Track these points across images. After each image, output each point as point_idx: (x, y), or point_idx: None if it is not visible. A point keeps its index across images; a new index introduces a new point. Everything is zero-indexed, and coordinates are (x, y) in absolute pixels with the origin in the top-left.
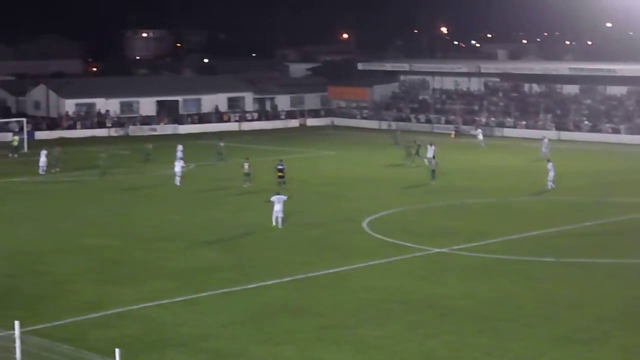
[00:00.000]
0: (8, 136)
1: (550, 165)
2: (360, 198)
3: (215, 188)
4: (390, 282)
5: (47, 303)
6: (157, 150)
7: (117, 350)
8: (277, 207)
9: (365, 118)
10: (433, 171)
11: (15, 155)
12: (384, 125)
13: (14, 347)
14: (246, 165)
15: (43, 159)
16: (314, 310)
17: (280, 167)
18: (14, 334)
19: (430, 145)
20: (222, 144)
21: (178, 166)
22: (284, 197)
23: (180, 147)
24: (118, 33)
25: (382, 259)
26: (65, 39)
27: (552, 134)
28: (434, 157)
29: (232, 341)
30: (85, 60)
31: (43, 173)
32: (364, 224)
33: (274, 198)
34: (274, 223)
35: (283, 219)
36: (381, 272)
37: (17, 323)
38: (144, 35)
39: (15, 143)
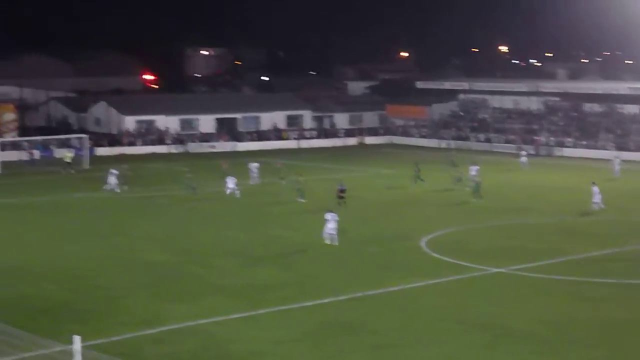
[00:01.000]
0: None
1: (595, 188)
2: (418, 217)
3: (274, 205)
4: (448, 301)
5: (104, 318)
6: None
7: None
8: (331, 225)
9: (424, 137)
10: (476, 190)
11: (72, 171)
12: (443, 144)
13: None
14: (300, 181)
15: (114, 180)
16: (370, 328)
17: (341, 188)
18: (72, 348)
19: (474, 165)
20: (279, 164)
21: (232, 182)
22: (336, 217)
23: (255, 165)
24: (178, 50)
25: (440, 278)
26: (126, 55)
27: (613, 154)
28: (472, 177)
29: (288, 359)
30: (145, 77)
31: (110, 190)
32: (422, 243)
33: (327, 216)
34: (326, 241)
35: (336, 237)
36: (438, 291)
37: (77, 338)
38: (204, 53)
39: (68, 160)
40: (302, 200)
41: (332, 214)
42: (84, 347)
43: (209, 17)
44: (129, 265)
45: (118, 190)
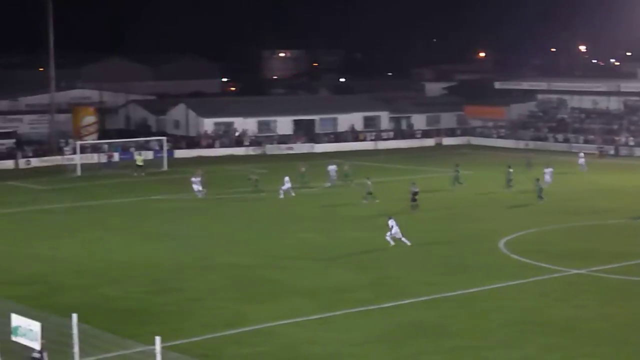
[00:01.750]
0: (149, 154)
1: None
2: (496, 218)
3: (349, 206)
4: (527, 303)
5: (184, 319)
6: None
7: None
8: (395, 230)
9: (502, 137)
10: (540, 191)
11: (143, 174)
12: (521, 144)
13: None
14: (369, 183)
15: (197, 187)
16: (449, 330)
17: (414, 190)
18: (154, 349)
19: (548, 167)
20: (347, 167)
21: (288, 183)
22: (394, 221)
23: (334, 167)
24: (256, 53)
25: (519, 280)
26: (203, 59)
27: None
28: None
29: None
30: (223, 80)
31: (200, 195)
32: (500, 244)
33: (390, 221)
34: (391, 243)
35: (403, 238)
36: (517, 293)
37: (158, 339)
38: (281, 55)
39: (140, 162)
40: (365, 202)
41: (391, 219)
42: (164, 348)
43: (286, 19)
44: (209, 267)
45: (202, 194)
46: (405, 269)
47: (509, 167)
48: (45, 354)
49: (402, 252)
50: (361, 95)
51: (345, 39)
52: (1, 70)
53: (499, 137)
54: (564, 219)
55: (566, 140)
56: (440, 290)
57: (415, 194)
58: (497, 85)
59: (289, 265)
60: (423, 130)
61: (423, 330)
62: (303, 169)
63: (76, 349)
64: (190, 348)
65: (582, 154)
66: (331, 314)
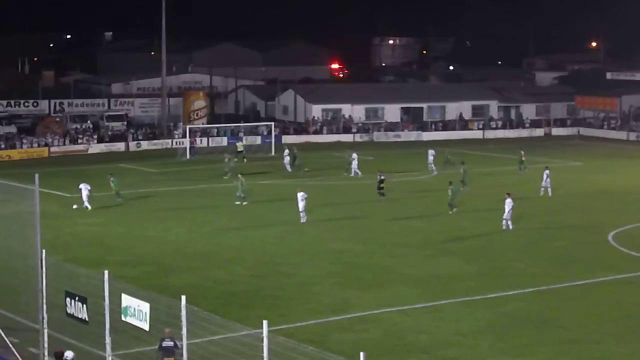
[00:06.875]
0: (257, 139)
1: None
2: (606, 210)
3: (463, 197)
4: (636, 297)
5: (290, 304)
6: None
7: (362, 354)
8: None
9: (613, 128)
10: None
11: (244, 160)
12: (632, 136)
13: (261, 346)
14: (462, 170)
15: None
16: (556, 323)
17: (381, 177)
18: (260, 332)
19: None
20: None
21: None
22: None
23: (432, 152)
24: (365, 40)
25: (629, 273)
26: (314, 45)
27: None
28: None
29: (472, 350)
30: (332, 66)
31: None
32: (610, 237)
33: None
34: (503, 227)
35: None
36: (627, 287)
37: (265, 322)
38: (391, 42)
39: (240, 148)
40: (462, 189)
41: (508, 199)
42: (270, 332)
43: (397, 5)
44: (315, 253)
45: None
46: (513, 259)
47: (521, 149)
48: (178, 342)
49: (510, 241)
50: (470, 83)
51: (456, 27)
52: (114, 54)
53: (610, 128)
54: None
55: None
56: (548, 281)
57: (381, 182)
58: (609, 75)
59: (396, 253)
60: (532, 120)
61: (530, 321)
62: (295, 150)
63: (184, 331)
64: (295, 333)
65: None
66: (437, 302)
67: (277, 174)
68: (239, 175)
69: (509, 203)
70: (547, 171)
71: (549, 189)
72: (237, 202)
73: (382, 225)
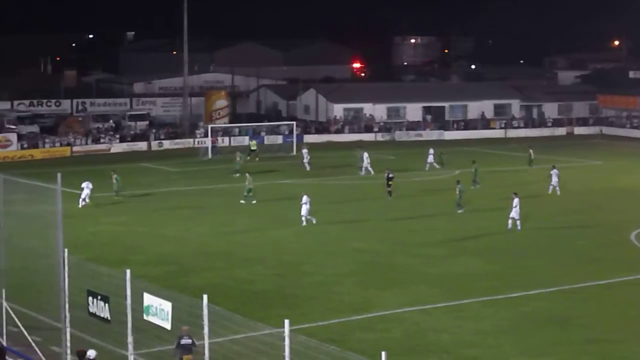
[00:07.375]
0: (278, 139)
1: None
2: (628, 210)
3: (479, 196)
4: None
5: (311, 303)
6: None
7: (383, 354)
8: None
9: (636, 127)
10: None
11: (256, 159)
12: None
13: (282, 345)
14: (473, 169)
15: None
16: (579, 322)
17: (390, 175)
18: (282, 331)
19: None
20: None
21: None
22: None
23: (432, 151)
24: (387, 39)
25: None
26: (335, 45)
27: None
28: None
29: (493, 350)
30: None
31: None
32: (632, 237)
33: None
34: (509, 227)
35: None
36: None
37: (287, 322)
38: (412, 41)
39: (253, 147)
40: (473, 187)
41: (515, 199)
42: (292, 331)
43: (418, 5)
44: (337, 252)
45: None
46: (534, 258)
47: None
48: (195, 340)
49: (531, 241)
50: (492, 82)
51: (477, 25)
52: (136, 53)
53: (633, 127)
54: None
55: None
56: (570, 281)
57: (389, 179)
58: (632, 74)
59: (417, 252)
60: (554, 119)
61: (552, 321)
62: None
63: (206, 330)
64: (316, 332)
65: None
66: (459, 302)
67: (297, 173)
68: (247, 174)
69: (516, 203)
70: (556, 170)
71: (557, 188)
72: (242, 201)
73: (401, 224)
